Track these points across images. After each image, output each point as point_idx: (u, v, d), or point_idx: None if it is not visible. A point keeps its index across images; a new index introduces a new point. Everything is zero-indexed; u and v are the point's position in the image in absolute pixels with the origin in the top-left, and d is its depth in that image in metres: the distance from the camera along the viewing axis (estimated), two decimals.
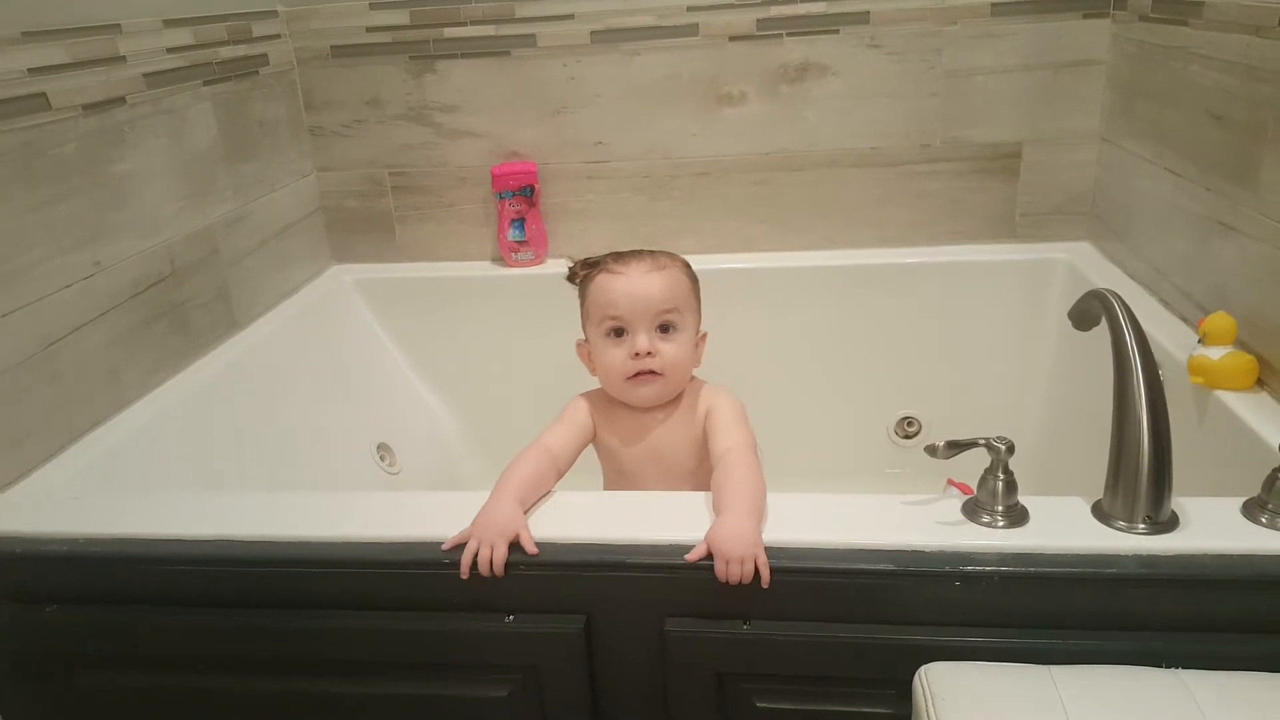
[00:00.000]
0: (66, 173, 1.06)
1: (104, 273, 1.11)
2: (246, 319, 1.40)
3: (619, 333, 0.98)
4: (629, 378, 0.98)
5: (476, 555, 0.81)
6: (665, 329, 0.98)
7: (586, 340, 1.03)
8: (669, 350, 0.98)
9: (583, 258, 1.04)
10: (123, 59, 1.16)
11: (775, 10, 1.46)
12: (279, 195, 1.51)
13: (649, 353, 0.96)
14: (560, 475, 0.94)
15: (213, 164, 1.34)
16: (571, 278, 1.05)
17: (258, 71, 1.46)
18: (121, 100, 1.16)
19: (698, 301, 1.03)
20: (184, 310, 1.26)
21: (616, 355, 0.97)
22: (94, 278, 1.09)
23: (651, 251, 1.01)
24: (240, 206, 1.40)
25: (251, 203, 1.43)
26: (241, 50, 1.42)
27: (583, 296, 1.02)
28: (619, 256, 1.00)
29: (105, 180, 1.12)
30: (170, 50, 1.25)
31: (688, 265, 1.03)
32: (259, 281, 1.44)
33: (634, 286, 0.97)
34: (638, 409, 1.01)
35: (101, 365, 1.10)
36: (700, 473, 0.99)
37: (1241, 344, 1.03)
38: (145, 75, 1.20)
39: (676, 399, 1.02)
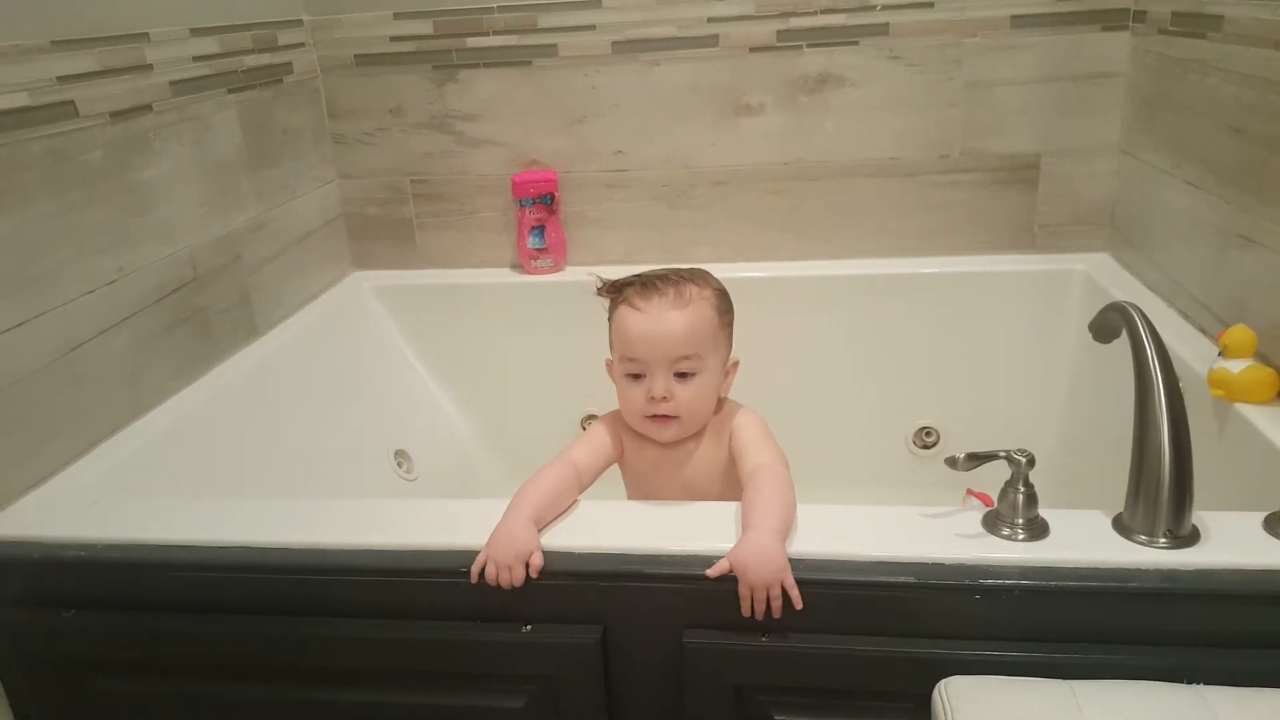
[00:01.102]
0: (92, 179, 1.08)
1: (127, 278, 1.12)
2: (267, 325, 1.41)
3: (637, 374, 0.95)
4: (646, 417, 0.96)
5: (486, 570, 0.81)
6: (683, 374, 0.94)
7: (611, 365, 1.01)
8: (685, 395, 0.94)
9: (610, 280, 1.00)
10: (150, 67, 1.18)
11: (795, 22, 1.47)
12: (301, 202, 1.53)
13: (664, 398, 0.94)
14: (582, 491, 0.93)
15: (236, 171, 1.35)
16: (601, 293, 1.03)
17: (282, 80, 1.48)
18: (148, 108, 1.17)
19: (728, 331, 1.00)
20: (205, 316, 1.27)
21: (635, 395, 0.95)
22: (117, 283, 1.11)
23: (678, 279, 0.97)
24: (262, 213, 1.41)
25: (274, 209, 1.44)
26: (266, 59, 1.44)
27: (610, 319, 1.00)
28: (645, 287, 0.96)
29: (130, 187, 1.14)
30: (196, 58, 1.27)
31: (719, 293, 0.99)
32: (280, 288, 1.45)
33: (653, 329, 0.93)
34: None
35: (124, 370, 1.11)
36: (730, 496, 0.96)
37: (1262, 357, 1.03)
38: (171, 83, 1.21)
39: (702, 429, 1.00)
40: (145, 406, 1.15)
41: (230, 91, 1.34)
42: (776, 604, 0.77)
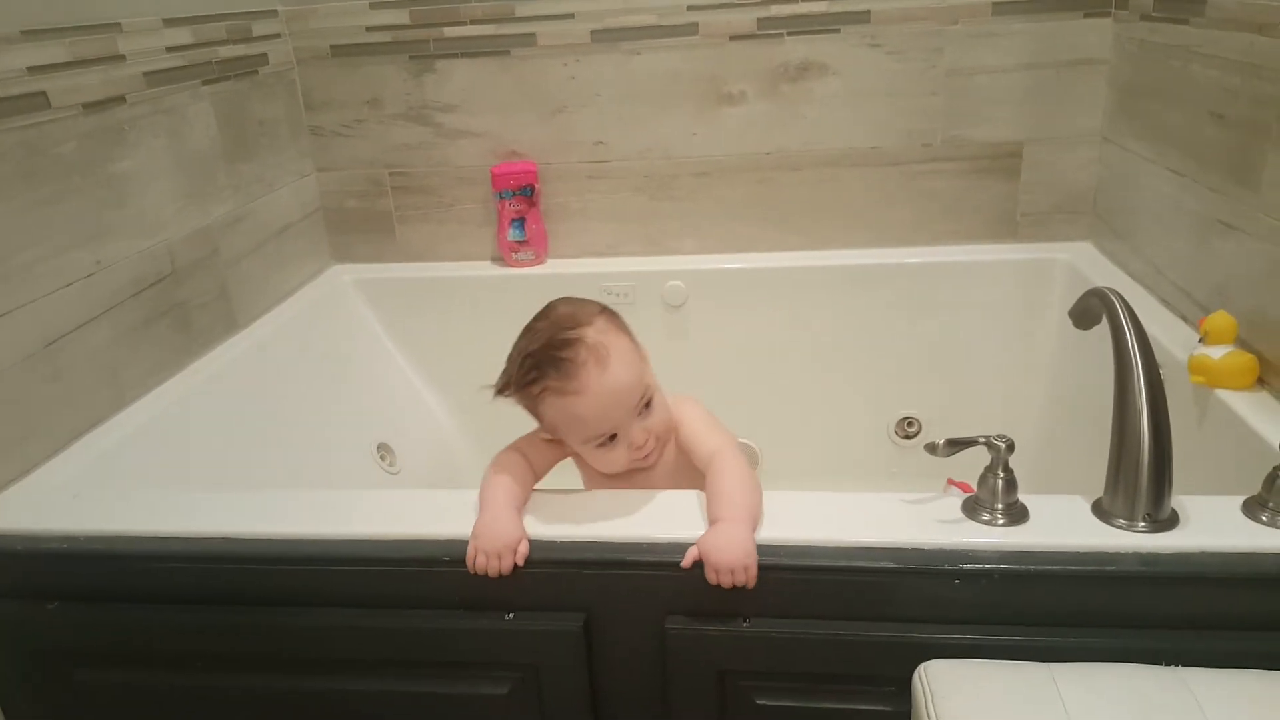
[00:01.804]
0: (66, 172, 1.06)
1: (104, 271, 1.11)
2: (247, 319, 1.40)
3: (611, 438, 0.89)
4: (634, 459, 0.91)
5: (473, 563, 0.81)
6: (646, 405, 0.89)
7: (557, 440, 0.92)
8: (656, 422, 0.90)
9: (500, 382, 0.90)
10: (122, 58, 1.16)
11: (775, 9, 1.46)
12: (279, 195, 1.51)
13: (644, 441, 0.89)
14: (537, 481, 0.92)
15: (212, 163, 1.34)
16: (499, 392, 0.91)
17: (257, 71, 1.46)
18: (121, 99, 1.16)
19: (631, 335, 0.92)
20: (184, 310, 1.26)
21: (616, 455, 0.89)
22: (94, 276, 1.10)
23: (573, 336, 0.86)
24: (240, 206, 1.40)
25: (251, 202, 1.43)
26: (241, 50, 1.42)
27: (532, 412, 0.91)
28: (559, 369, 0.85)
29: (105, 179, 1.12)
30: (170, 49, 1.25)
31: (604, 312, 0.91)
32: (259, 281, 1.44)
33: (604, 401, 0.86)
34: None
35: (102, 364, 1.10)
36: (685, 485, 0.94)
37: (1242, 343, 1.03)
38: (145, 74, 1.20)
39: None
40: (126, 400, 1.14)
41: (205, 83, 1.33)
42: (740, 583, 0.77)
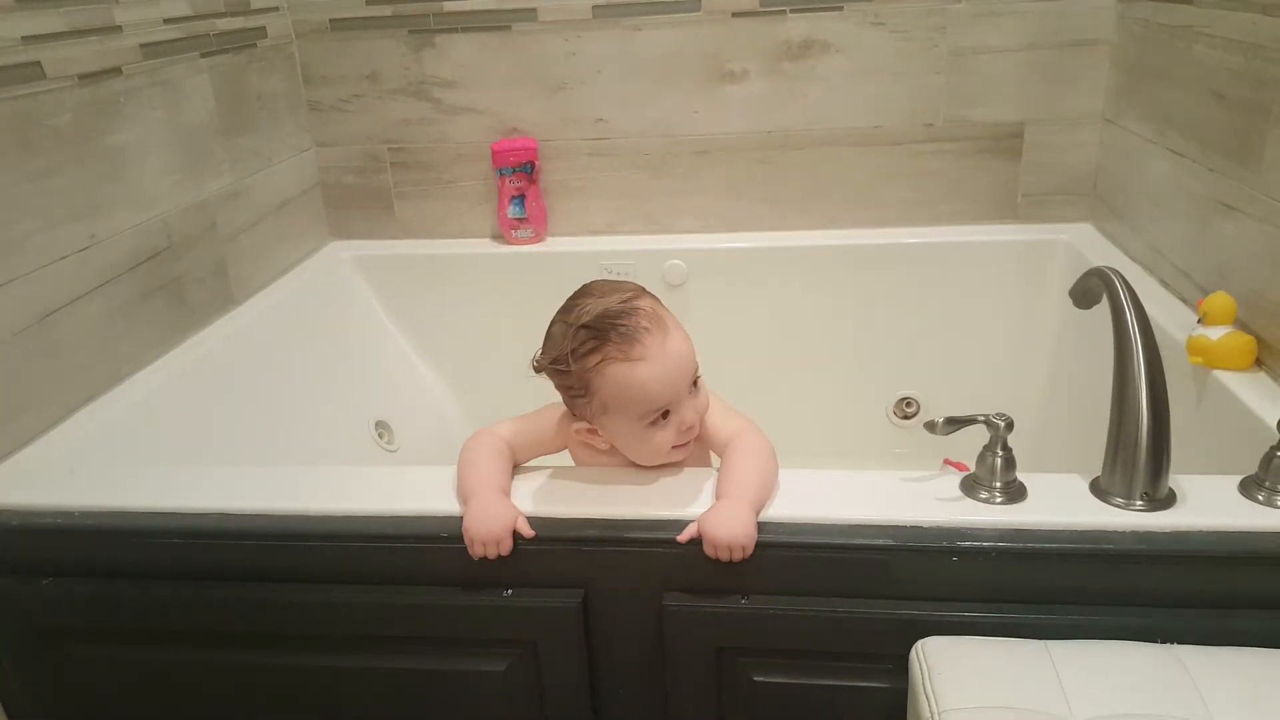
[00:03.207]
0: (61, 143, 1.05)
1: (100, 245, 1.10)
2: (244, 295, 1.39)
3: (664, 414, 0.84)
4: (673, 447, 0.86)
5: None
6: (694, 383, 0.86)
7: (594, 429, 0.87)
8: (703, 402, 0.87)
9: (552, 353, 0.85)
10: (118, 28, 1.15)
11: None
12: (277, 170, 1.50)
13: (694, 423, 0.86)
14: (515, 468, 0.90)
15: (209, 137, 1.33)
16: (545, 367, 0.87)
17: (255, 44, 1.45)
18: (117, 70, 1.14)
19: None
20: (181, 284, 1.25)
21: (665, 437, 0.84)
22: (90, 250, 1.09)
23: (632, 303, 0.84)
24: (237, 181, 1.39)
25: (249, 177, 1.42)
26: (239, 22, 1.41)
27: (583, 389, 0.84)
28: (622, 336, 0.81)
29: (101, 152, 1.11)
30: (167, 21, 1.24)
31: (648, 292, 0.88)
32: (256, 257, 1.43)
33: (669, 368, 0.82)
34: None
35: (98, 338, 1.10)
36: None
37: (1241, 324, 1.03)
38: (142, 46, 1.19)
39: None
40: (121, 375, 1.13)
41: (203, 55, 1.31)
42: (738, 559, 0.77)
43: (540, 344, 0.89)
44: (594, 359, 0.82)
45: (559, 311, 0.88)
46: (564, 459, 0.94)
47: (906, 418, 1.61)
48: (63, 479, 0.93)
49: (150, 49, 1.20)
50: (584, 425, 0.87)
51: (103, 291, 1.11)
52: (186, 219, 1.27)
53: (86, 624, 0.91)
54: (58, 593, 0.89)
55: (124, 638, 0.91)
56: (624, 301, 0.84)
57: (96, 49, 1.11)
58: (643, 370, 0.81)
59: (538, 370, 0.88)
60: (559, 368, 0.85)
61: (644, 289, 0.88)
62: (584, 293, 0.87)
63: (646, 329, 0.82)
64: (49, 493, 0.91)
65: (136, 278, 1.17)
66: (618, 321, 0.82)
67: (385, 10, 1.52)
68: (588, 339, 0.83)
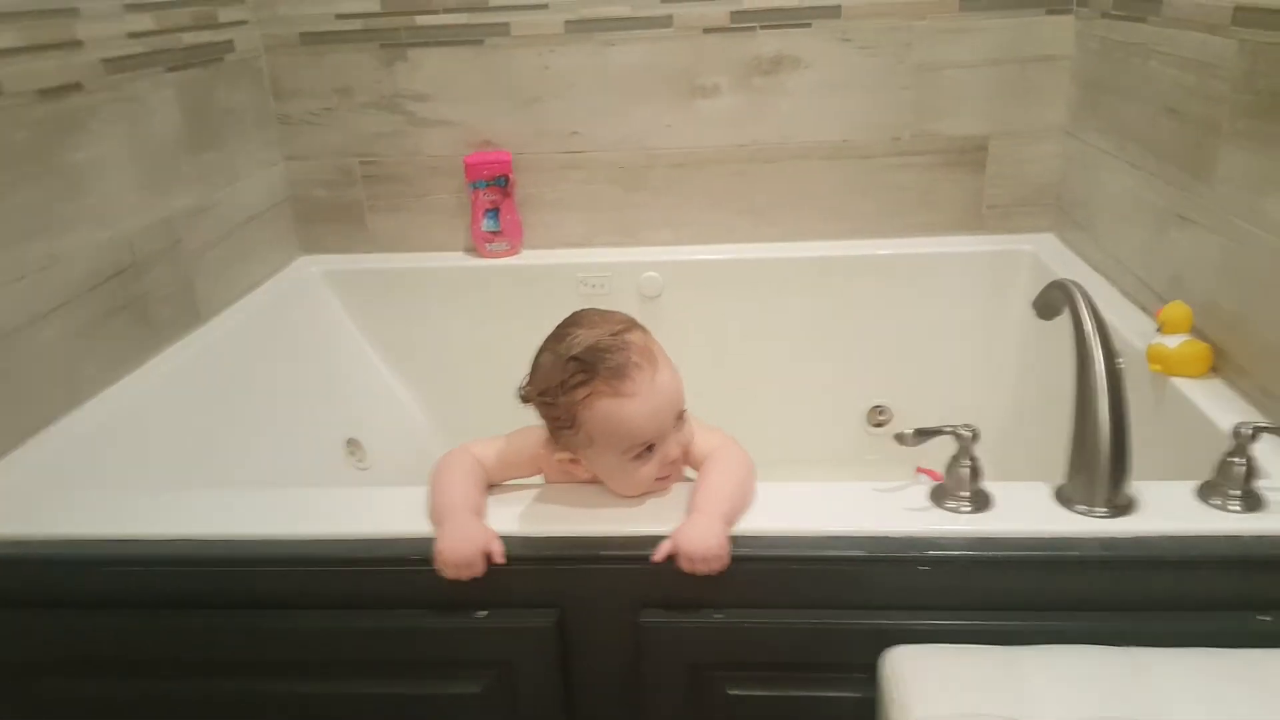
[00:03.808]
0: (18, 160, 1.03)
1: (60, 264, 1.08)
2: (211, 312, 1.38)
3: (649, 448, 0.84)
4: (657, 480, 0.86)
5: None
6: (679, 416, 0.86)
7: (576, 459, 0.86)
8: (686, 434, 0.87)
9: (538, 385, 0.85)
10: (80, 43, 1.13)
11: (748, 3, 1.47)
12: (245, 185, 1.49)
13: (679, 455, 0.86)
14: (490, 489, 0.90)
15: (175, 153, 1.32)
16: (533, 398, 0.86)
17: (223, 58, 1.44)
18: (78, 86, 1.13)
19: None
20: (145, 303, 1.24)
21: (648, 473, 0.84)
22: (49, 270, 1.07)
23: (622, 337, 0.83)
24: (204, 196, 1.38)
25: (216, 192, 1.41)
26: (206, 36, 1.40)
27: (570, 421, 0.83)
28: (611, 371, 0.81)
29: (61, 169, 1.09)
30: (131, 35, 1.23)
31: (637, 323, 0.88)
32: (224, 273, 1.42)
33: (657, 405, 0.82)
34: None
35: (58, 360, 1.07)
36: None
37: (1197, 332, 1.06)
38: (104, 61, 1.17)
39: None
40: (82, 397, 1.10)
41: (168, 70, 1.30)
42: (714, 572, 0.77)
43: (516, 362, 0.88)
44: (582, 393, 0.82)
45: (548, 340, 0.87)
46: (537, 478, 0.94)
47: (879, 425, 1.62)
48: (19, 506, 0.90)
49: (113, 64, 1.19)
50: (566, 455, 0.86)
51: (63, 311, 1.08)
52: (150, 236, 1.25)
53: (46, 656, 0.88)
54: (15, 625, 0.86)
55: (86, 670, 0.89)
56: (614, 335, 0.83)
57: (57, 64, 1.10)
58: (631, 407, 0.81)
59: (525, 401, 0.87)
60: (547, 400, 0.84)
61: (634, 321, 0.87)
62: (574, 322, 0.87)
63: (637, 364, 0.82)
64: (4, 522, 0.88)
65: (99, 297, 1.15)
66: (608, 355, 0.82)
67: (356, 24, 1.51)
68: (577, 372, 0.82)
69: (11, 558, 0.85)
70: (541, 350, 0.87)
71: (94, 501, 0.92)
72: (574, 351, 0.82)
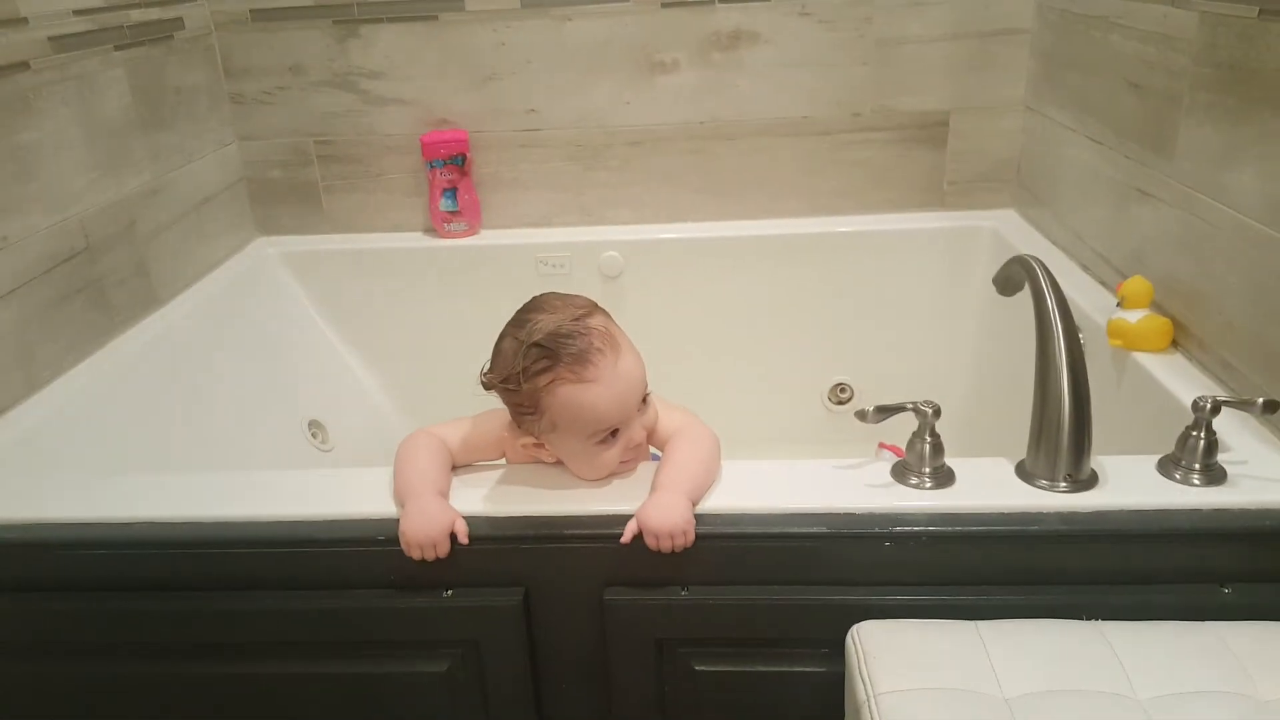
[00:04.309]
0: None
1: (10, 249, 1.06)
2: (168, 295, 1.35)
3: (613, 433, 0.84)
4: (623, 461, 0.86)
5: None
6: (643, 400, 0.85)
7: (540, 444, 0.86)
8: (650, 418, 0.87)
9: (499, 372, 0.84)
10: (24, 20, 1.10)
11: None
12: (199, 166, 1.46)
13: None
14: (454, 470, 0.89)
15: (126, 133, 1.28)
16: (495, 385, 0.85)
17: (173, 36, 1.40)
18: (25, 65, 1.09)
19: None
20: (100, 287, 1.21)
21: (612, 456, 0.84)
22: (0, 254, 1.04)
23: (583, 323, 0.82)
24: (157, 177, 1.34)
25: (170, 173, 1.37)
26: (155, 14, 1.35)
27: (533, 407, 0.83)
28: (574, 357, 0.80)
29: (9, 151, 1.06)
30: (77, 12, 1.19)
31: (599, 307, 0.87)
32: (180, 255, 1.39)
33: (620, 390, 0.81)
34: None
35: (12, 346, 1.05)
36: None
37: (1157, 306, 1.07)
38: (51, 39, 1.14)
39: None
40: (39, 383, 1.09)
41: (117, 48, 1.26)
42: (680, 549, 0.78)
43: (476, 342, 0.87)
44: (545, 379, 0.81)
45: (509, 325, 0.86)
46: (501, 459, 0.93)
47: (841, 403, 1.63)
48: None
49: (59, 42, 1.15)
50: (531, 440, 0.86)
51: (16, 296, 1.06)
52: (104, 219, 1.22)
53: (8, 641, 0.88)
54: None
55: (48, 654, 0.88)
56: (576, 320, 0.82)
57: (2, 42, 1.06)
58: (594, 392, 0.80)
59: (487, 388, 0.86)
60: (509, 387, 0.83)
61: (596, 305, 0.86)
62: (535, 307, 0.85)
63: (599, 350, 0.81)
64: None
65: (52, 281, 1.12)
66: (570, 341, 0.81)
67: (308, 0, 1.48)
68: (539, 358, 0.81)
69: None
70: (503, 336, 0.86)
71: (54, 486, 0.91)
72: (535, 338, 0.81)
